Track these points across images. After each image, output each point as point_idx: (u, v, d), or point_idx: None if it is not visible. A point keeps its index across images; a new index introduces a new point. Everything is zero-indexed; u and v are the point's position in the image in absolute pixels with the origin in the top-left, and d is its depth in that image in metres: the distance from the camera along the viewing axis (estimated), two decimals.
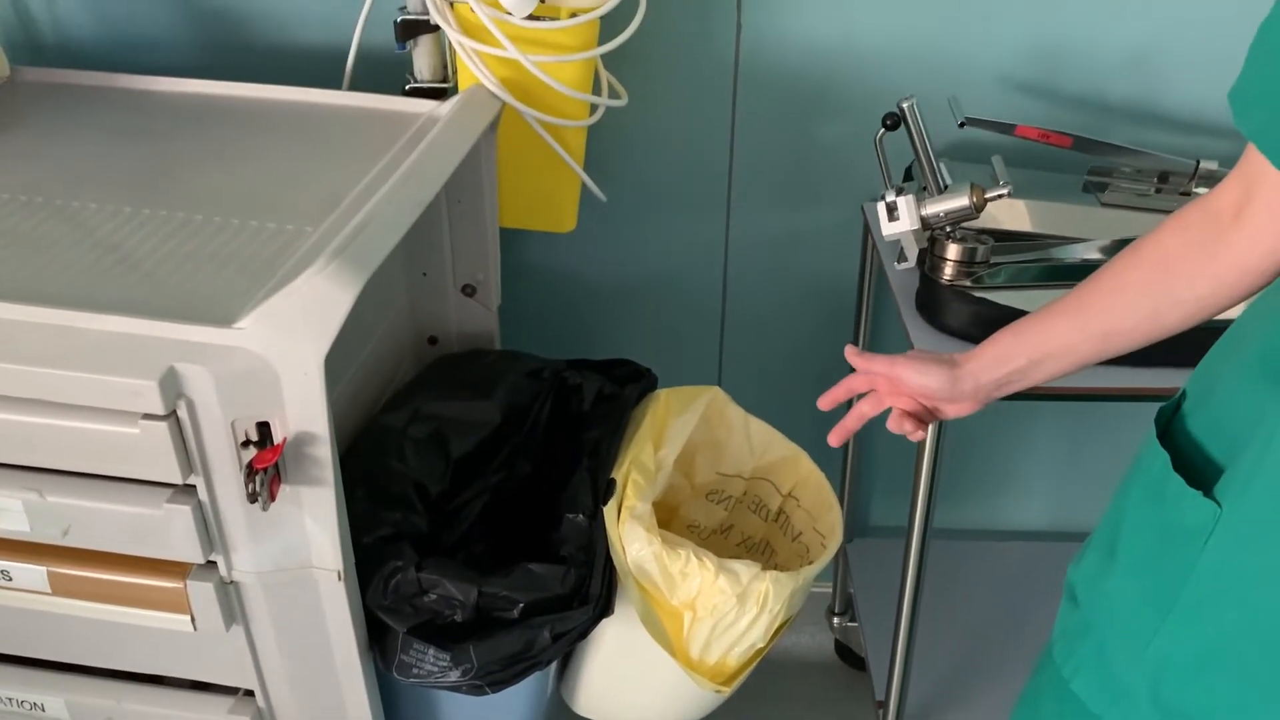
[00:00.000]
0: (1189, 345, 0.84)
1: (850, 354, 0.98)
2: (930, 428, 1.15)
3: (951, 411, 0.94)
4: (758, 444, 1.22)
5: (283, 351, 0.85)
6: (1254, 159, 0.71)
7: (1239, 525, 0.73)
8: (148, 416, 0.84)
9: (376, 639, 1.02)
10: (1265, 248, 0.73)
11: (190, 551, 0.91)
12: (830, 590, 1.75)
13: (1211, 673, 0.76)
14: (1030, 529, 1.77)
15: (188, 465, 0.87)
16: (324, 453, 0.89)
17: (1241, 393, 0.75)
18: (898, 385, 0.95)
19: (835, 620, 1.75)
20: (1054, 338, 0.86)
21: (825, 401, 0.99)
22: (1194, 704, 0.78)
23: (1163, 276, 0.79)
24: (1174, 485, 0.76)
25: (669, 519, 1.24)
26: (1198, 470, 0.76)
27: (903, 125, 1.19)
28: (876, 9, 1.34)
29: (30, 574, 0.96)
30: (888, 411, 0.97)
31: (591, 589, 1.04)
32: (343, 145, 1.14)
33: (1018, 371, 0.88)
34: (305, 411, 0.87)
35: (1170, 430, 0.82)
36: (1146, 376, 1.08)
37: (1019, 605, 1.62)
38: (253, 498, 0.87)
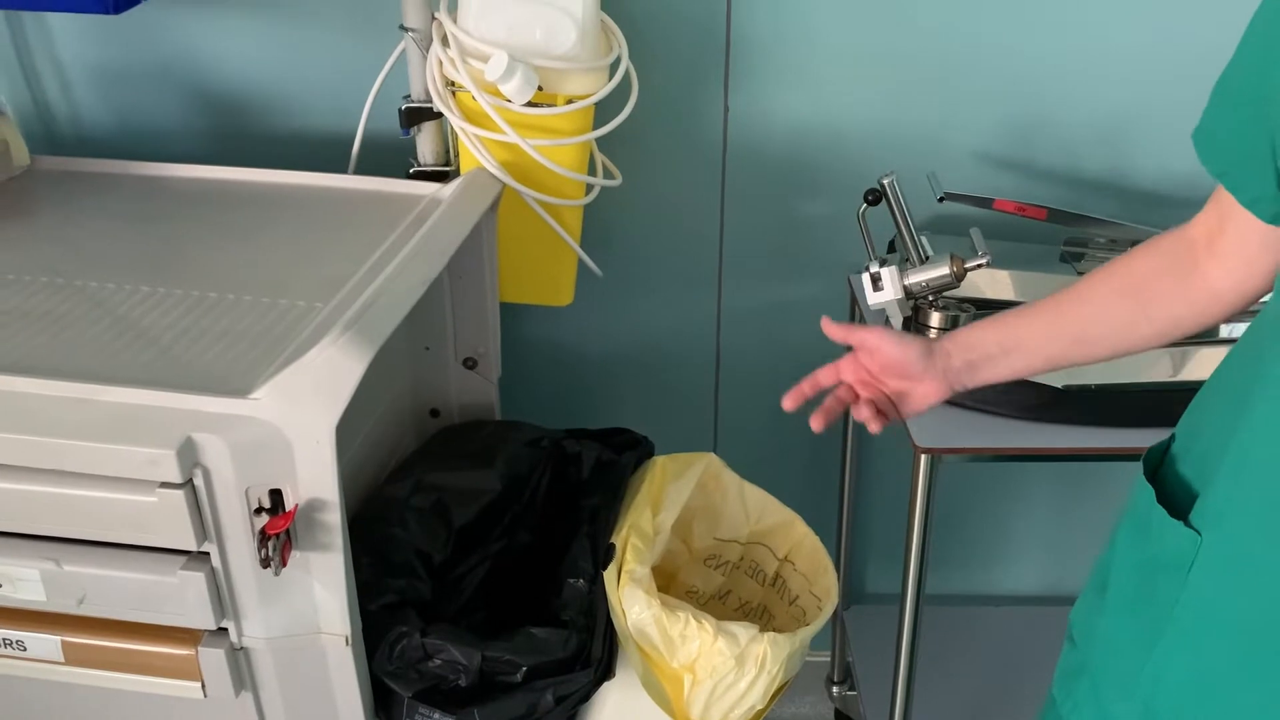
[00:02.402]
0: (1183, 407, 0.85)
1: (826, 325, 0.97)
2: (920, 495, 1.18)
3: (918, 395, 0.94)
4: (753, 509, 1.24)
5: (295, 420, 0.88)
6: (1224, 192, 0.76)
7: (1219, 554, 0.74)
8: (165, 485, 0.87)
9: (382, 704, 1.04)
10: (1237, 275, 0.77)
11: (203, 618, 0.93)
12: (829, 659, 1.75)
13: (1200, 705, 0.77)
14: (1025, 594, 1.78)
15: (202, 532, 0.90)
16: (334, 519, 0.92)
17: (1214, 424, 0.77)
18: (873, 357, 0.94)
19: (835, 689, 1.75)
20: (1027, 333, 0.90)
21: (790, 401, 0.97)
22: None
23: (1136, 295, 0.82)
24: (1158, 517, 0.78)
25: (668, 585, 1.25)
26: (1182, 506, 0.78)
27: (884, 200, 1.24)
28: (856, 90, 1.39)
29: (45, 644, 0.97)
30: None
31: (593, 652, 1.05)
32: (349, 226, 1.18)
33: (988, 358, 0.91)
34: (316, 478, 0.90)
35: (1159, 474, 0.84)
36: (1137, 437, 1.09)
37: (1016, 669, 1.62)
38: (265, 563, 0.90)
